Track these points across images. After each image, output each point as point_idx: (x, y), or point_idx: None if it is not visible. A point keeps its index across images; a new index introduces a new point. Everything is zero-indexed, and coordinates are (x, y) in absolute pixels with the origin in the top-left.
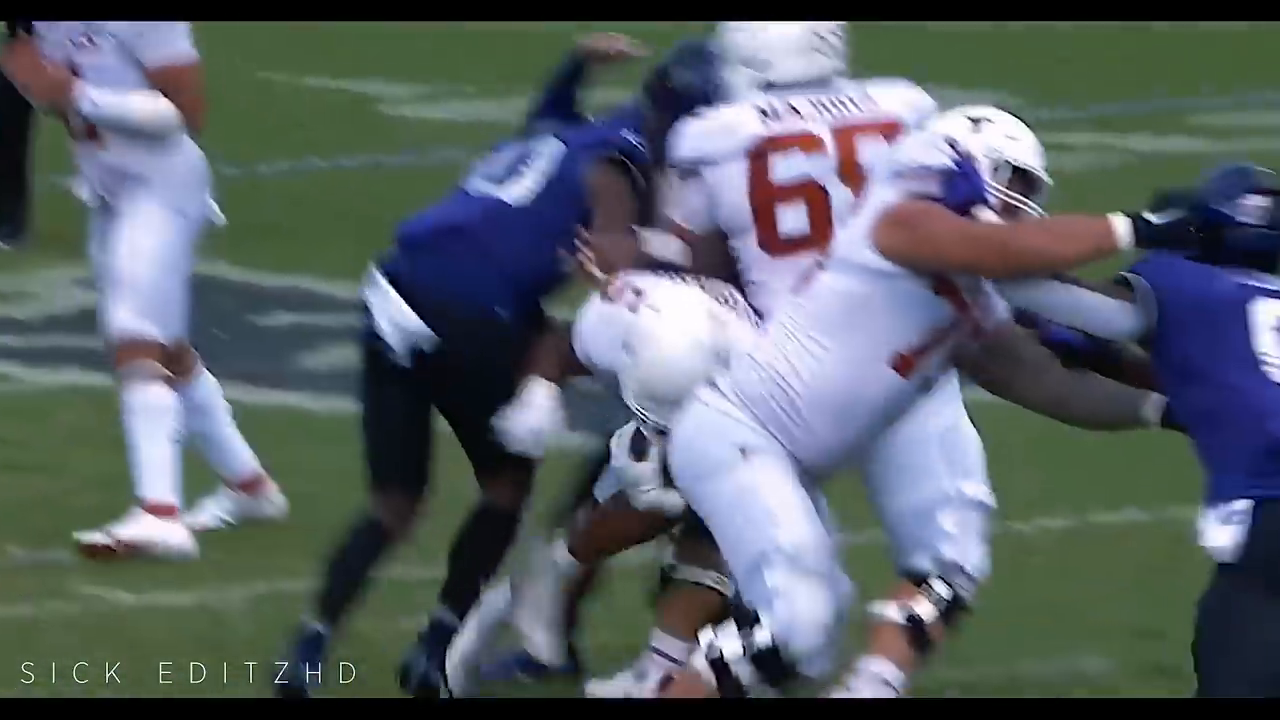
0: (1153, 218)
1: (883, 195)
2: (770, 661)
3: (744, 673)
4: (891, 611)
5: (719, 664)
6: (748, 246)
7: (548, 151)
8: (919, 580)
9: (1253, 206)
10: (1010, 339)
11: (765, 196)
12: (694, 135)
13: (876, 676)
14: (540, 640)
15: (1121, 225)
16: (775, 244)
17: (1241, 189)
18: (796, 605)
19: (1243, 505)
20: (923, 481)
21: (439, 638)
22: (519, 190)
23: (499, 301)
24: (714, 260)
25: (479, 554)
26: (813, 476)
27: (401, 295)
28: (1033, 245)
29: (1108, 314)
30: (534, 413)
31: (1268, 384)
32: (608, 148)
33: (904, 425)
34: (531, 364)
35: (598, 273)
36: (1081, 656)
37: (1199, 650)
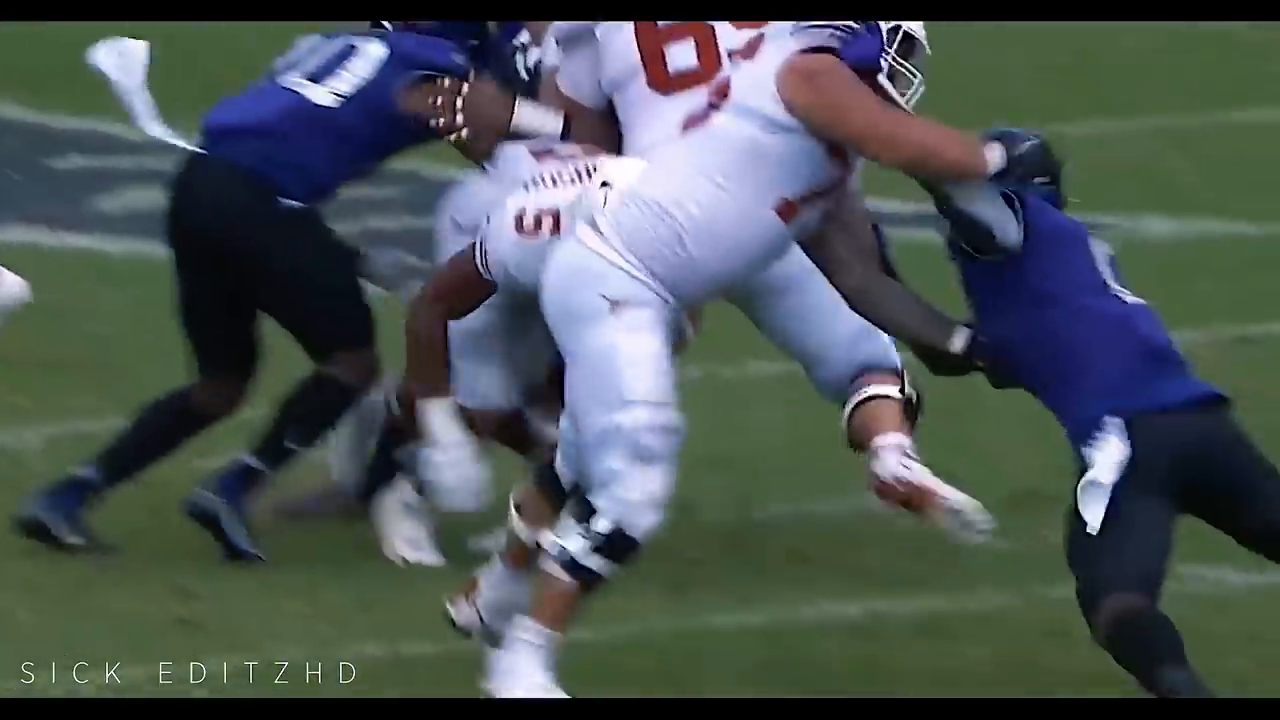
0: (1014, 147)
1: (785, 45)
2: (614, 547)
3: (594, 563)
4: (891, 389)
5: (570, 563)
6: (635, 91)
7: (370, 55)
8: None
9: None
10: (855, 212)
11: (653, 40)
12: None
13: (898, 446)
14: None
15: (997, 150)
16: (664, 81)
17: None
18: (632, 490)
19: (1118, 419)
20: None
21: (234, 478)
22: (327, 94)
23: (290, 197)
24: (597, 136)
25: (300, 416)
26: (684, 311)
27: (199, 186)
28: (928, 140)
29: (1006, 219)
30: (453, 458)
31: (1119, 302)
32: (425, 67)
33: (807, 271)
34: (418, 385)
35: (456, 120)
36: (872, 495)
37: (1076, 541)
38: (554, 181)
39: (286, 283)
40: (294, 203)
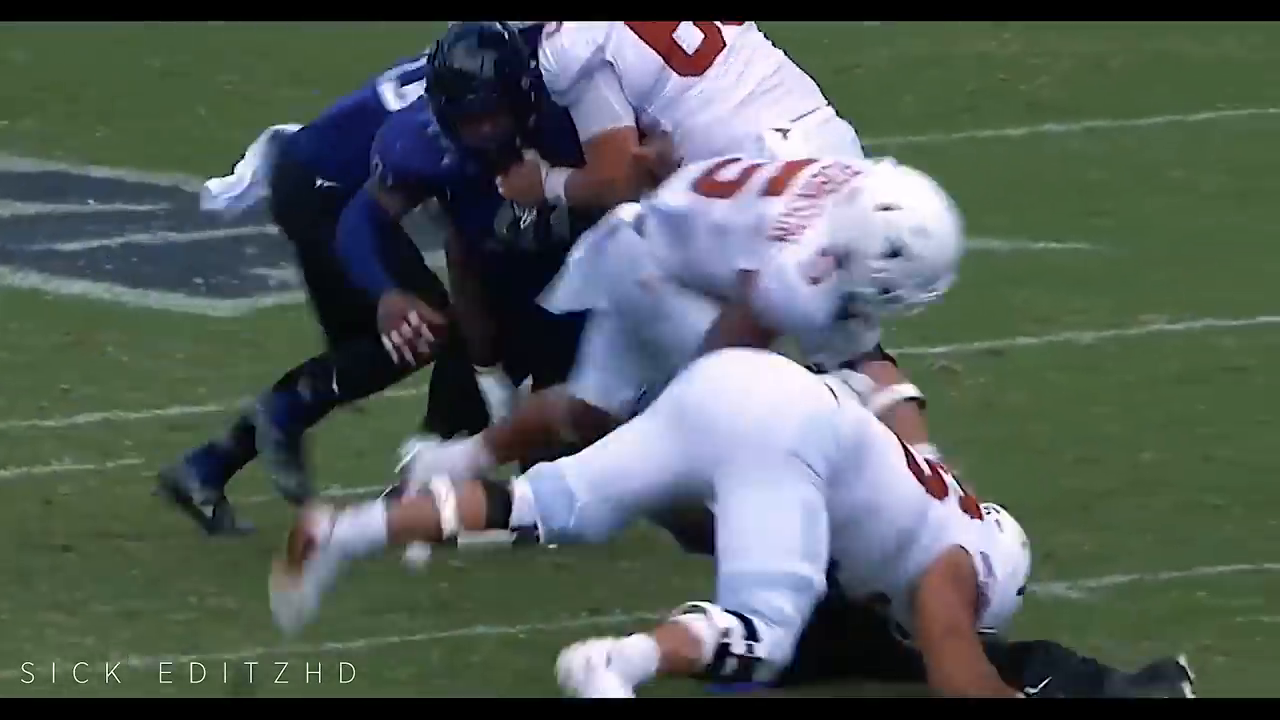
0: None
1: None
2: (750, 669)
3: (732, 665)
4: (907, 387)
5: (723, 650)
6: (671, 86)
7: None
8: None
9: None
10: None
11: (659, 32)
12: (571, 34)
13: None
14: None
15: None
16: (691, 63)
17: None
18: (793, 637)
19: None
20: None
21: (289, 403)
22: (399, 97)
23: (331, 180)
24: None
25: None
26: None
27: (272, 176)
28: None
29: None
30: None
31: None
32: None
33: None
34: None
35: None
36: None
37: None
38: (799, 224)
39: (316, 263)
40: (333, 184)
